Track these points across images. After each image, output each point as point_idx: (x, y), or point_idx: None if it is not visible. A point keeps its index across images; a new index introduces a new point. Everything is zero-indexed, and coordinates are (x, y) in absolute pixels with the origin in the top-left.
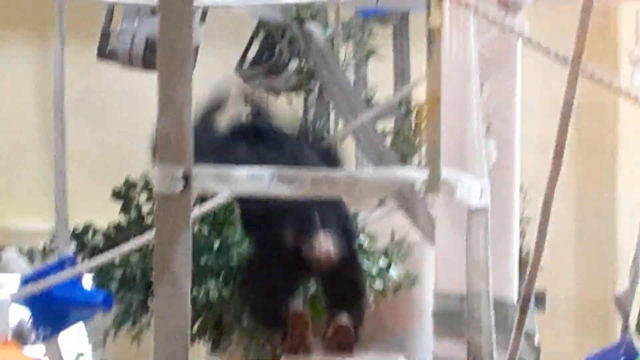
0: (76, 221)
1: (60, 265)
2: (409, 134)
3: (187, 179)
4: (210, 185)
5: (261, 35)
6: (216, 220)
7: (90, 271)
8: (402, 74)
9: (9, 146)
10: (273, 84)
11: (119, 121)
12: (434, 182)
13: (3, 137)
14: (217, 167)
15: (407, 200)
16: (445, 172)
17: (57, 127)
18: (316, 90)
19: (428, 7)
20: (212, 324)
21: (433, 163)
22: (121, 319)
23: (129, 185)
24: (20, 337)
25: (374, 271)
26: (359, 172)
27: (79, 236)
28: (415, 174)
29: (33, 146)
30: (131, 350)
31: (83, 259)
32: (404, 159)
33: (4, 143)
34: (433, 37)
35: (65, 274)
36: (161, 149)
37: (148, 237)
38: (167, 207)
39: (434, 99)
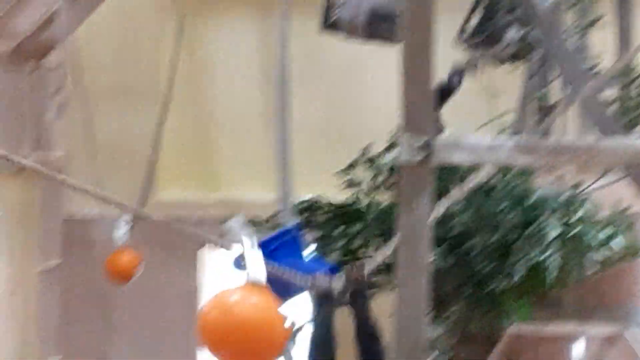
0: (301, 194)
1: (285, 235)
2: (633, 102)
3: (429, 148)
4: (451, 155)
5: (482, 4)
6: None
7: (313, 242)
8: (625, 41)
9: (235, 119)
10: (493, 53)
11: (342, 92)
12: None
13: (229, 110)
14: (457, 137)
15: (634, 168)
16: None
17: (280, 100)
18: (538, 59)
19: None
20: (434, 294)
21: None
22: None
23: (354, 161)
24: None
25: (597, 241)
26: (601, 141)
27: (304, 211)
28: None
29: (258, 119)
30: None
31: (309, 232)
32: (628, 127)
33: (230, 116)
34: None
35: (290, 243)
36: (405, 120)
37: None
38: (410, 176)
39: None
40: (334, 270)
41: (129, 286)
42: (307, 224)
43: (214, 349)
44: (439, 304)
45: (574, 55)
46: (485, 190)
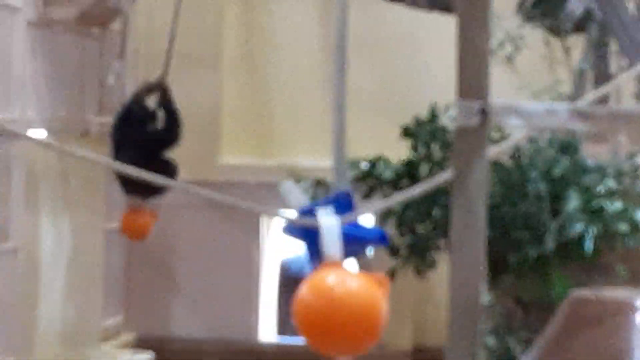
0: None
1: (336, 200)
2: None
3: (484, 112)
4: (507, 119)
5: None
6: None
7: (368, 211)
8: None
9: (293, 85)
10: (553, 24)
11: (401, 61)
12: None
13: (288, 77)
14: (515, 102)
15: None
16: None
17: (338, 66)
18: (596, 29)
19: None
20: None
21: None
22: (407, 255)
23: (418, 123)
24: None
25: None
26: None
27: (369, 170)
28: None
29: (316, 85)
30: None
31: (372, 191)
32: None
33: (289, 82)
34: None
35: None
36: (461, 85)
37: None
38: (465, 140)
39: None
40: (385, 236)
41: (192, 249)
42: (372, 185)
43: (313, 336)
44: (491, 272)
45: (632, 26)
46: (514, 160)
